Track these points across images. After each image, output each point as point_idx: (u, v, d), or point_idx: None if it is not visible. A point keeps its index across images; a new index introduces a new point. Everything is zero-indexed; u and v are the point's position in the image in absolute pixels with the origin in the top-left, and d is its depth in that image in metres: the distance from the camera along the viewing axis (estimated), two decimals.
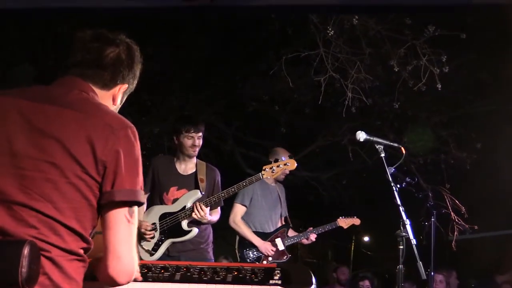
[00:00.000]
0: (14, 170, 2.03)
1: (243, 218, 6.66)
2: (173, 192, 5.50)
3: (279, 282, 2.56)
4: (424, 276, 4.62)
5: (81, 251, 2.08)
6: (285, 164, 5.45)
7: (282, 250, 6.68)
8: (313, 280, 2.58)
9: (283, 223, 6.92)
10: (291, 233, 6.87)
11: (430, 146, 10.28)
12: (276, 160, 6.13)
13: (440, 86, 7.13)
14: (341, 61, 7.61)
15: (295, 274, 2.61)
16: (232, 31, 9.29)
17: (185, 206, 5.36)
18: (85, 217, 2.07)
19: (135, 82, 2.37)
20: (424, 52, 7.16)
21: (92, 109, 2.14)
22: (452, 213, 8.80)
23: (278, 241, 6.68)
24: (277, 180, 6.85)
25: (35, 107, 2.11)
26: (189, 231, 5.35)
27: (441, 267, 8.35)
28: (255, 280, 2.59)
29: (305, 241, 6.92)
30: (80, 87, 2.19)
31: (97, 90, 2.25)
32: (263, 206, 6.71)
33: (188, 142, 5.49)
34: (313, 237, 6.88)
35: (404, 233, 4.60)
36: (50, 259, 1.98)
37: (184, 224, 5.35)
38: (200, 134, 5.51)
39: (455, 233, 8.88)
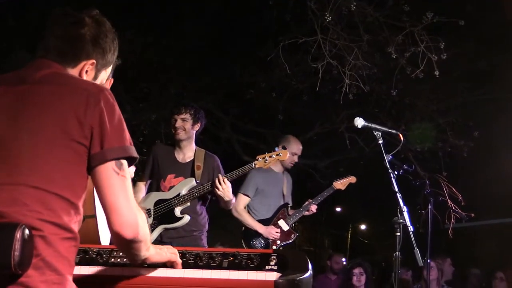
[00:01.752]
0: None
1: (250, 207, 6.68)
2: (170, 179, 5.48)
3: (275, 267, 2.54)
4: (421, 263, 4.62)
5: (74, 227, 2.07)
6: (277, 155, 5.40)
7: (288, 230, 6.63)
8: (309, 266, 2.56)
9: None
10: (291, 212, 6.83)
11: (430, 136, 10.26)
12: (284, 148, 6.15)
13: (438, 73, 7.10)
14: (339, 48, 7.58)
15: (291, 259, 2.59)
16: (230, 19, 9.26)
17: (179, 194, 5.36)
18: (77, 185, 2.09)
19: (109, 56, 2.39)
20: (422, 39, 7.14)
21: (64, 79, 2.18)
22: (449, 201, 8.80)
23: (281, 222, 6.64)
24: (285, 168, 6.87)
25: (8, 90, 2.14)
26: (180, 218, 5.34)
27: (436, 255, 8.37)
28: (251, 265, 2.57)
29: (306, 213, 6.86)
30: (46, 65, 2.23)
31: (63, 68, 2.28)
32: (268, 195, 6.70)
33: (172, 124, 5.50)
34: (313, 208, 6.81)
35: (401, 220, 4.61)
36: (43, 238, 1.97)
37: (177, 211, 5.34)
38: (183, 116, 5.46)
39: (452, 221, 8.87)
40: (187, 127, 5.47)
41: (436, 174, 9.44)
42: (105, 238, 3.28)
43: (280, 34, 8.20)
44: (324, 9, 7.18)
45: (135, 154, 2.16)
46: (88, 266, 2.58)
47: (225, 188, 5.25)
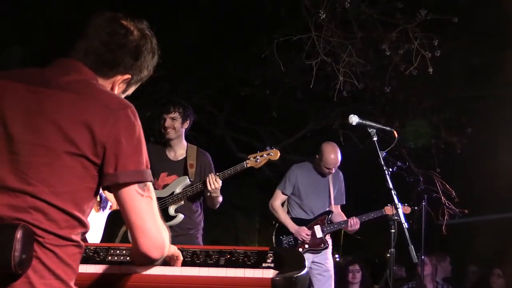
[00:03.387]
0: (9, 155, 2.00)
1: (290, 203, 6.69)
2: (163, 178, 5.49)
3: (272, 265, 2.55)
4: (415, 260, 4.66)
5: (76, 237, 2.05)
6: (268, 154, 5.37)
7: (320, 238, 6.58)
8: (306, 263, 2.58)
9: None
10: (339, 217, 6.75)
11: (425, 133, 10.27)
12: (320, 158, 6.39)
13: (431, 70, 7.11)
14: (332, 45, 7.58)
15: (288, 257, 2.60)
16: (224, 15, 9.25)
17: (173, 192, 5.37)
18: (82, 199, 2.05)
19: (145, 73, 2.32)
20: (416, 36, 7.14)
21: (88, 90, 2.09)
22: (442, 197, 8.82)
23: (317, 228, 6.59)
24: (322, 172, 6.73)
25: (30, 90, 2.07)
26: (174, 217, 5.34)
27: (431, 251, 8.39)
28: (248, 263, 2.58)
29: (349, 229, 6.68)
30: (77, 70, 2.15)
31: (96, 76, 2.20)
32: (308, 194, 6.67)
33: (161, 123, 5.51)
34: (355, 224, 6.60)
35: (396, 217, 4.64)
36: (42, 244, 1.96)
37: (171, 209, 5.35)
38: (172, 115, 5.44)
39: (446, 217, 8.90)
40: (176, 126, 5.47)
41: (430, 170, 9.47)
42: (91, 236, 3.27)
43: (274, 31, 8.19)
44: (317, 6, 7.18)
45: (150, 178, 2.11)
46: (85, 265, 2.58)
47: (217, 187, 5.25)
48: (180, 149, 5.59)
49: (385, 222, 6.75)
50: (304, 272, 2.53)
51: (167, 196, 5.37)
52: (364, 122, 4.84)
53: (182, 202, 5.40)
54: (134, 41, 2.23)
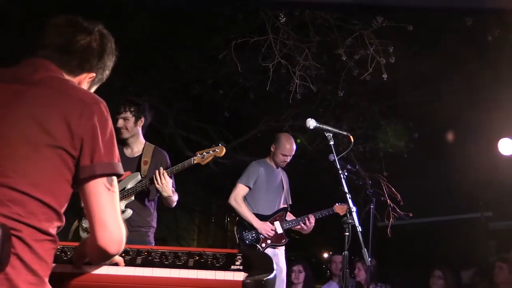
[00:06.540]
0: None
1: (248, 199, 6.65)
2: None
3: (241, 267, 2.58)
4: (368, 262, 4.78)
5: (53, 231, 2.08)
6: (214, 151, 5.40)
7: (280, 234, 6.60)
8: (274, 266, 2.61)
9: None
10: (289, 217, 6.80)
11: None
12: (277, 146, 6.53)
13: (386, 76, 7.21)
14: (289, 48, 7.61)
15: (256, 260, 2.63)
16: (179, 13, 9.18)
17: (124, 188, 5.34)
18: (60, 192, 2.08)
19: (106, 73, 2.40)
20: (371, 42, 7.22)
21: (62, 85, 2.16)
22: (388, 200, 8.97)
23: (277, 224, 6.61)
24: (278, 166, 6.84)
25: (3, 87, 2.11)
26: (123, 212, 5.31)
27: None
28: (217, 265, 2.60)
29: (304, 227, 6.71)
30: (46, 67, 2.19)
31: (64, 73, 2.25)
32: (268, 189, 6.68)
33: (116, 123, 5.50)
34: (312, 220, 6.67)
35: (350, 220, 4.72)
36: (21, 239, 1.97)
37: (121, 205, 5.31)
38: (124, 115, 5.46)
39: (391, 220, 9.05)
40: (129, 126, 5.47)
41: (377, 174, 9.61)
42: None
43: (230, 31, 8.17)
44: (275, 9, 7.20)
45: (121, 171, 2.17)
46: (54, 264, 2.55)
47: (164, 183, 5.24)
48: (136, 147, 5.58)
49: (320, 223, 6.87)
50: (272, 275, 2.56)
51: (119, 192, 5.33)
52: (321, 126, 4.92)
53: (132, 198, 5.39)
54: (97, 40, 2.31)
